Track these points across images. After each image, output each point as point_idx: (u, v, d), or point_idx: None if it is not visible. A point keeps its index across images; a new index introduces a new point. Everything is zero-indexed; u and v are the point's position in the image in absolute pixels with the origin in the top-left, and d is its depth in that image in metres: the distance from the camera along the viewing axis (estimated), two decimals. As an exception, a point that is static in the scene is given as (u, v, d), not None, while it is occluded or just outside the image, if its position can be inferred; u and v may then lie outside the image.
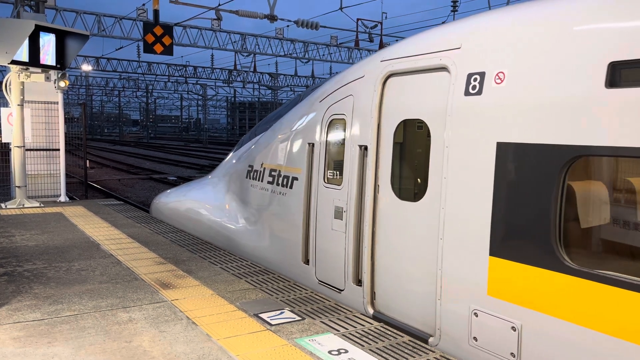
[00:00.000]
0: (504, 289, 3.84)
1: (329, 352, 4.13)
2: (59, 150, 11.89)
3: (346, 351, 4.15)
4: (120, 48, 29.49)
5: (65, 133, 12.06)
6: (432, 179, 4.48)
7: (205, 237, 8.25)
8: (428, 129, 4.53)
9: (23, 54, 9.68)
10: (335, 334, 4.49)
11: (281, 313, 4.95)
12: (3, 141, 11.39)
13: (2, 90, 10.87)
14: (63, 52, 10.27)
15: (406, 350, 4.21)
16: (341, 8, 22.08)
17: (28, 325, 4.52)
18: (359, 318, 4.90)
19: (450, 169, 4.26)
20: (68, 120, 13.71)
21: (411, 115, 4.78)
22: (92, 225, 9.03)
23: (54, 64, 10.21)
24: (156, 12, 15.72)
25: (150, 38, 15.89)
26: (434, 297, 4.41)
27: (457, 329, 4.21)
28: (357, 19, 25.64)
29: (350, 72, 5.72)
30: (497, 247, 3.88)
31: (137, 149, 53.63)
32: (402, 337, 4.48)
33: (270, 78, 53.67)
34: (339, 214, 5.52)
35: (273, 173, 6.83)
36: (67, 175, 12.77)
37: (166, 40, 16.14)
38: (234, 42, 31.83)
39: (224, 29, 28.87)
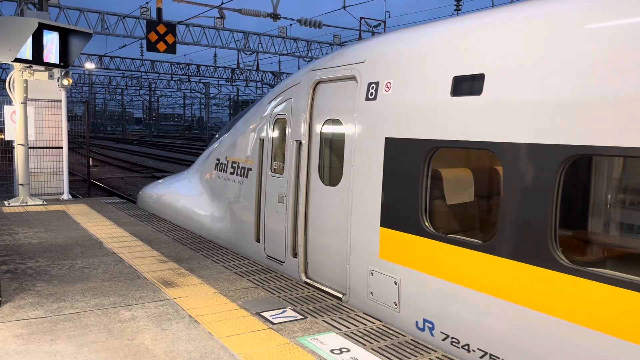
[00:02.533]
0: (389, 252, 4.91)
1: (331, 351, 4.13)
2: (62, 148, 11.92)
3: (348, 350, 4.16)
4: (124, 46, 29.48)
5: (69, 131, 12.08)
6: (345, 167, 5.50)
7: (182, 224, 9.12)
8: (360, 126, 5.43)
9: (26, 52, 9.70)
10: (337, 333, 4.49)
11: (283, 312, 4.95)
12: (6, 139, 11.41)
13: (5, 88, 10.89)
14: (66, 50, 10.28)
15: (408, 350, 4.21)
16: (344, 7, 22.05)
17: (31, 323, 4.54)
18: (361, 317, 4.90)
19: (355, 159, 5.33)
20: (71, 118, 13.73)
21: (333, 115, 5.82)
22: (95, 223, 9.05)
23: (57, 62, 10.22)
24: (159, 11, 15.73)
25: (153, 36, 15.89)
26: (345, 262, 5.44)
27: (360, 286, 5.26)
28: (360, 18, 25.61)
29: (291, 79, 6.81)
30: (385, 220, 4.93)
31: (140, 147, 53.70)
32: (404, 336, 4.49)
33: (273, 77, 53.66)
34: (281, 198, 6.56)
35: (234, 165, 7.93)
36: (70, 173, 12.79)
37: (169, 38, 16.14)
38: (237, 40, 31.81)
39: (227, 27, 28.83)
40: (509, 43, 4.07)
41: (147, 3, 23.15)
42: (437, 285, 4.43)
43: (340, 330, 4.57)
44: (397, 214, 4.81)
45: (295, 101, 6.45)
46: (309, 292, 5.60)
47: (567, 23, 3.73)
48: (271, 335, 4.40)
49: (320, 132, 5.99)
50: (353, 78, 5.49)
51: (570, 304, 3.51)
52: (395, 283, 4.81)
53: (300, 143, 6.21)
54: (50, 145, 12.19)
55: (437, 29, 4.89)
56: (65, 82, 10.88)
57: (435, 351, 4.20)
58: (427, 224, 4.56)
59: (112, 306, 5.00)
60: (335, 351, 4.13)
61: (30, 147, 11.25)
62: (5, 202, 10.79)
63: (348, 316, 4.92)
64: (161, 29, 15.93)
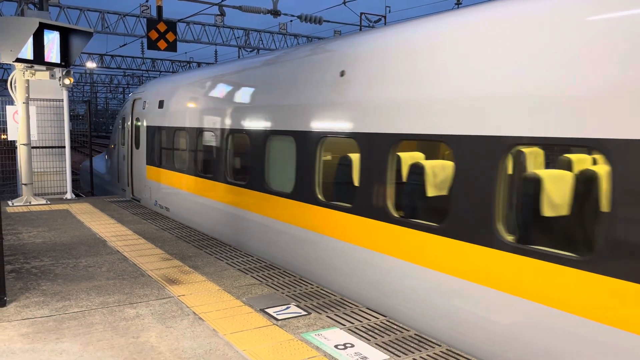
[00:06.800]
0: (149, 175, 10.94)
1: (335, 346, 4.14)
2: (64, 147, 11.94)
3: (352, 345, 4.17)
4: (124, 45, 29.41)
5: (71, 130, 12.09)
6: (140, 139, 11.51)
7: (103, 185, 15.35)
8: (142, 120, 11.35)
9: (27, 52, 9.70)
10: (341, 329, 4.50)
11: (287, 308, 4.97)
12: (9, 139, 11.43)
13: (7, 88, 10.90)
14: (67, 49, 10.27)
15: (412, 344, 4.22)
16: (345, 2, 21.97)
17: (36, 322, 4.56)
18: (365, 312, 4.91)
19: (141, 135, 11.36)
20: (73, 118, 13.75)
21: (137, 116, 11.73)
22: (99, 222, 9.08)
23: (58, 61, 10.22)
24: (159, 9, 15.71)
25: (153, 34, 15.89)
26: (140, 183, 11.32)
27: (144, 194, 11.22)
28: (361, 13, 25.52)
29: (130, 96, 12.67)
30: (147, 161, 11.04)
31: (142, 145, 53.70)
32: (408, 331, 4.50)
33: (274, 73, 53.43)
34: (124, 158, 12.61)
35: (113, 143, 14.44)
36: (73, 173, 12.82)
37: (170, 36, 16.14)
38: (238, 37, 31.70)
39: (227, 24, 28.70)
40: (179, 91, 10.11)
41: (147, 1, 23.09)
42: (158, 186, 10.23)
43: (344, 325, 4.59)
44: (150, 157, 10.76)
45: (127, 109, 12.54)
46: (312, 288, 5.62)
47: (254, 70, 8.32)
48: (275, 331, 4.42)
49: (135, 123, 11.87)
50: (141, 98, 11.70)
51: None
52: (150, 189, 10.79)
53: (128, 129, 12.27)
54: (53, 145, 12.22)
55: (176, 77, 11.05)
56: (67, 81, 10.89)
57: (440, 345, 4.21)
58: (158, 161, 10.36)
59: (116, 304, 5.02)
60: (339, 346, 4.14)
61: (33, 147, 11.27)
62: (9, 202, 10.82)
63: (352, 311, 4.93)
64: (162, 27, 15.93)
